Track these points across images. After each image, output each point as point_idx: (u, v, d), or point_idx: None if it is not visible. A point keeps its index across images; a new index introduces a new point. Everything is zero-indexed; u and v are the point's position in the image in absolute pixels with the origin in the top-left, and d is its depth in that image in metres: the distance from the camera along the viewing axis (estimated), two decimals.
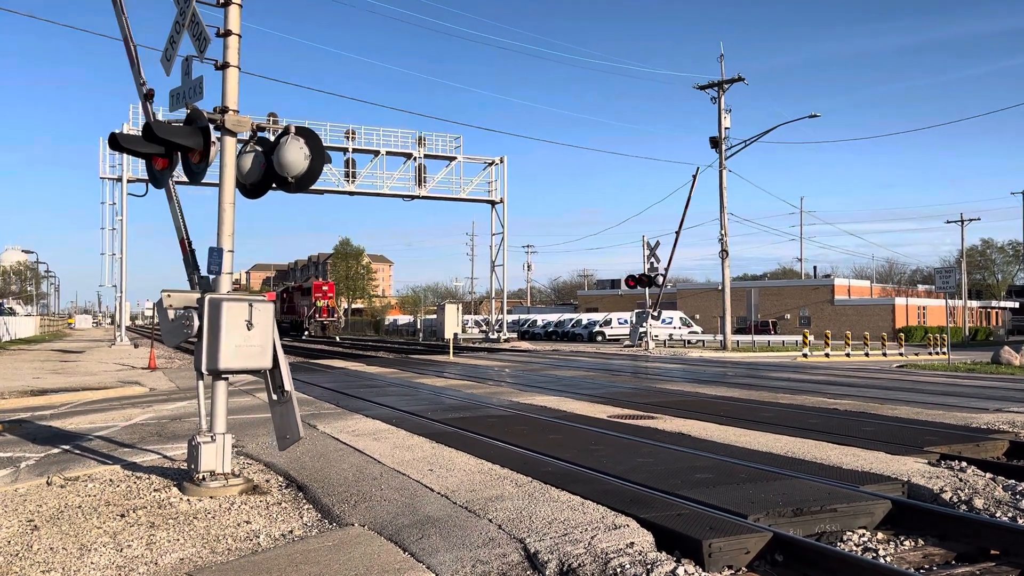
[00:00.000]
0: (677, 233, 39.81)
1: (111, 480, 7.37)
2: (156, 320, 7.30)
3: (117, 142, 7.58)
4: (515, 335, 54.13)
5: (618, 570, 4.65)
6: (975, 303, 77.92)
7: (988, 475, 7.26)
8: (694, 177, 38.63)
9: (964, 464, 7.68)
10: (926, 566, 5.18)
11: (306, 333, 58.18)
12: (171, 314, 7.05)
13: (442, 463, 7.79)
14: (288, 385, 7.12)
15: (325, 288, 60.86)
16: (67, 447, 9.19)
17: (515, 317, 68.86)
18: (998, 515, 6.14)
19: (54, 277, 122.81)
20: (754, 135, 40.43)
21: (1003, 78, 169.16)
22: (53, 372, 21.98)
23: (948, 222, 69.38)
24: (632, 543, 5.07)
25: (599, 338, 56.25)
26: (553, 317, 67.66)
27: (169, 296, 7.10)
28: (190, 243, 7.47)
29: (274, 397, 7.21)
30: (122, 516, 6.12)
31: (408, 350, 38.51)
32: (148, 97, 7.80)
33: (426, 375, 21.04)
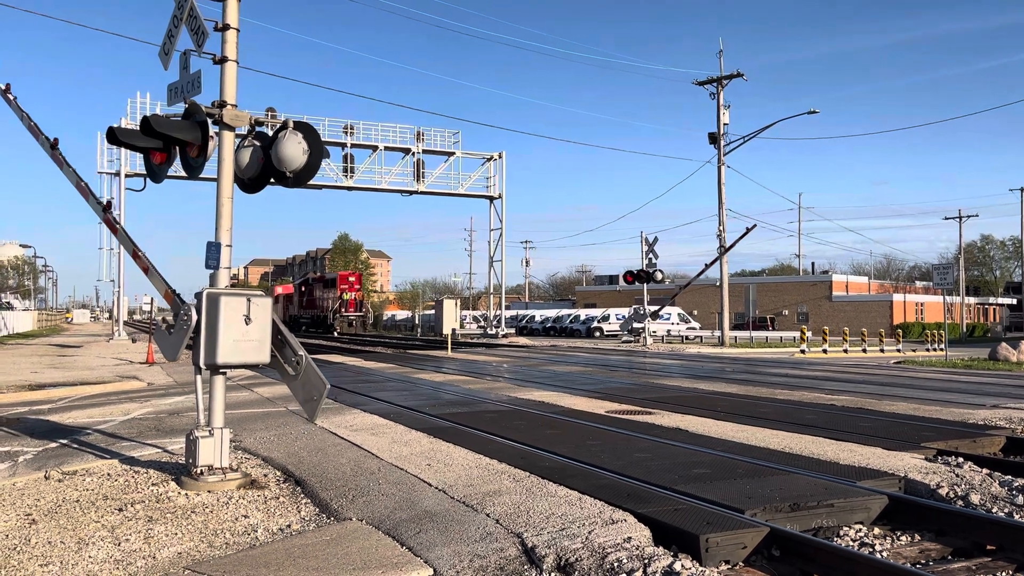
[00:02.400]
0: (707, 266, 40.12)
1: (109, 474, 7.38)
2: (155, 322, 7.42)
3: (115, 136, 7.57)
4: (513, 331, 54.14)
5: (615, 564, 4.66)
6: (972, 299, 78.04)
7: (985, 471, 7.27)
8: (748, 229, 37.56)
9: (961, 460, 7.70)
10: (922, 561, 5.20)
11: (334, 331, 51.33)
12: (164, 328, 7.10)
13: (440, 458, 7.80)
14: (301, 351, 7.15)
15: (352, 279, 54.54)
16: (65, 441, 9.19)
17: (513, 313, 68.91)
18: (994, 511, 6.16)
19: (52, 272, 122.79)
20: (753, 131, 40.44)
21: (1002, 74, 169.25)
22: (51, 367, 21.96)
23: (946, 218, 69.92)
24: (629, 538, 5.08)
25: (597, 334, 56.27)
26: (551, 313, 67.67)
27: (164, 321, 7.19)
28: (175, 292, 7.45)
29: (291, 372, 7.19)
30: (120, 510, 6.13)
31: (406, 345, 38.51)
32: (107, 208, 7.96)
33: (424, 370, 21.04)
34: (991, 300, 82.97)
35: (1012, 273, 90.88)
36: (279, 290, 70.88)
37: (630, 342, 41.49)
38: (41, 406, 12.95)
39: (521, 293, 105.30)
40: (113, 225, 8.02)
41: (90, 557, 5.04)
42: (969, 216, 68.74)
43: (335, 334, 50.25)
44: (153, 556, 5.08)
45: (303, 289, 60.60)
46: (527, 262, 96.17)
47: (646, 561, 4.68)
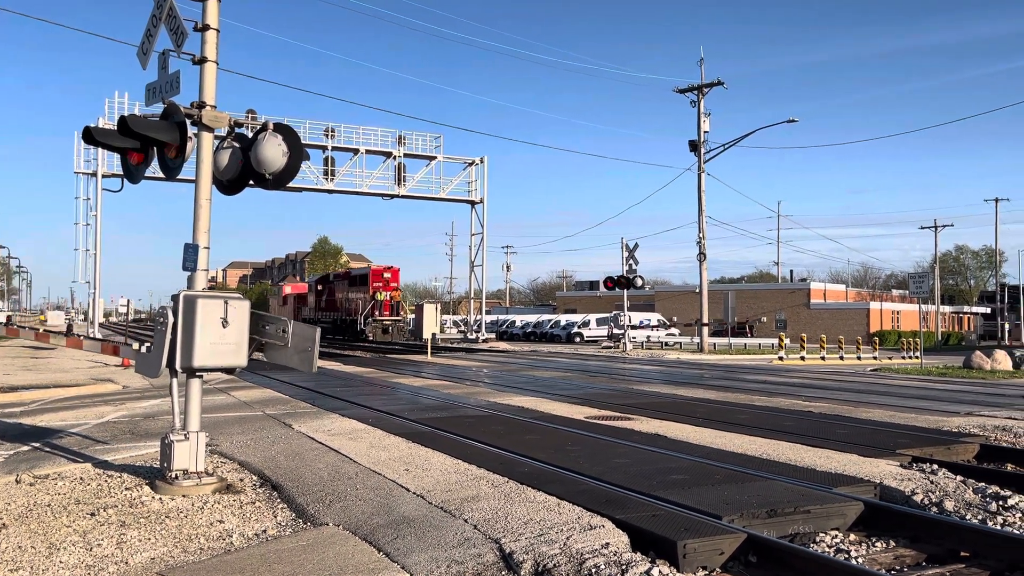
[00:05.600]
0: (697, 321, 40.58)
1: (82, 478, 7.27)
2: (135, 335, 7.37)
3: (92, 136, 7.48)
4: (494, 335, 54.09)
5: (593, 570, 4.65)
6: (948, 308, 78.97)
7: (959, 478, 7.34)
8: (750, 327, 38.45)
9: (935, 467, 7.77)
10: (897, 567, 5.23)
11: (366, 338, 42.92)
12: (144, 350, 7.05)
13: (418, 463, 7.76)
14: (283, 319, 7.18)
15: (387, 275, 44.59)
16: (37, 445, 9.06)
17: (494, 317, 68.89)
18: (968, 517, 6.22)
19: (26, 272, 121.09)
20: (733, 139, 40.74)
21: (977, 86, 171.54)
22: (24, 368, 21.65)
23: (922, 228, 70.71)
24: (607, 544, 5.07)
25: (577, 339, 56.39)
26: (532, 318, 67.72)
27: (140, 343, 7.20)
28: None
29: (281, 344, 7.11)
30: (92, 515, 6.04)
31: (386, 349, 38.34)
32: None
33: (404, 375, 20.97)
34: (966, 309, 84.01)
35: (986, 283, 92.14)
36: (288, 289, 62.25)
37: (610, 348, 41.60)
38: (13, 408, 12.76)
39: (502, 298, 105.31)
40: None
41: (61, 562, 4.96)
42: (944, 226, 69.81)
43: (368, 341, 42.53)
44: (125, 561, 5.01)
45: (320, 288, 52.14)
46: (508, 267, 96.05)
47: (624, 567, 4.68)
